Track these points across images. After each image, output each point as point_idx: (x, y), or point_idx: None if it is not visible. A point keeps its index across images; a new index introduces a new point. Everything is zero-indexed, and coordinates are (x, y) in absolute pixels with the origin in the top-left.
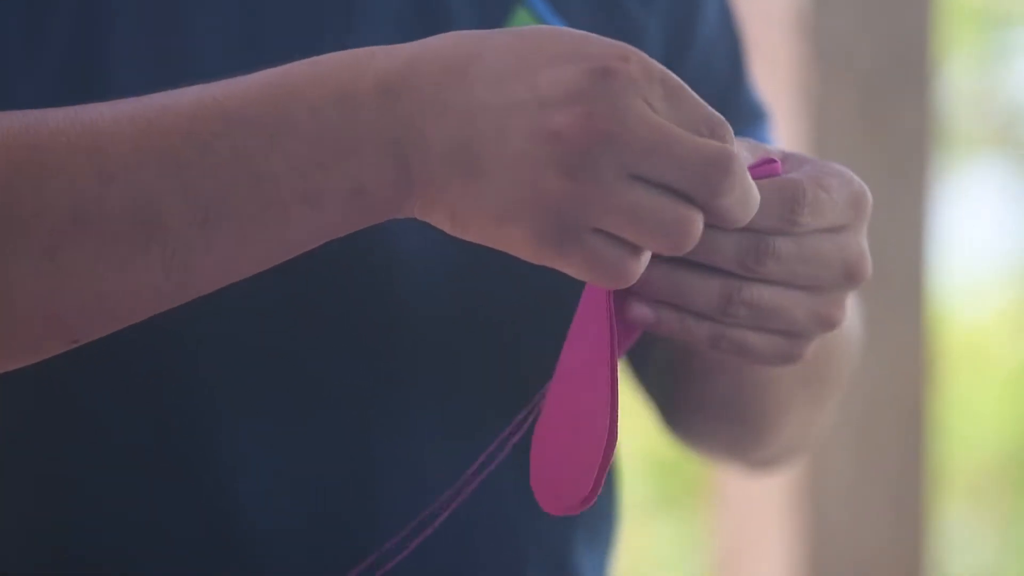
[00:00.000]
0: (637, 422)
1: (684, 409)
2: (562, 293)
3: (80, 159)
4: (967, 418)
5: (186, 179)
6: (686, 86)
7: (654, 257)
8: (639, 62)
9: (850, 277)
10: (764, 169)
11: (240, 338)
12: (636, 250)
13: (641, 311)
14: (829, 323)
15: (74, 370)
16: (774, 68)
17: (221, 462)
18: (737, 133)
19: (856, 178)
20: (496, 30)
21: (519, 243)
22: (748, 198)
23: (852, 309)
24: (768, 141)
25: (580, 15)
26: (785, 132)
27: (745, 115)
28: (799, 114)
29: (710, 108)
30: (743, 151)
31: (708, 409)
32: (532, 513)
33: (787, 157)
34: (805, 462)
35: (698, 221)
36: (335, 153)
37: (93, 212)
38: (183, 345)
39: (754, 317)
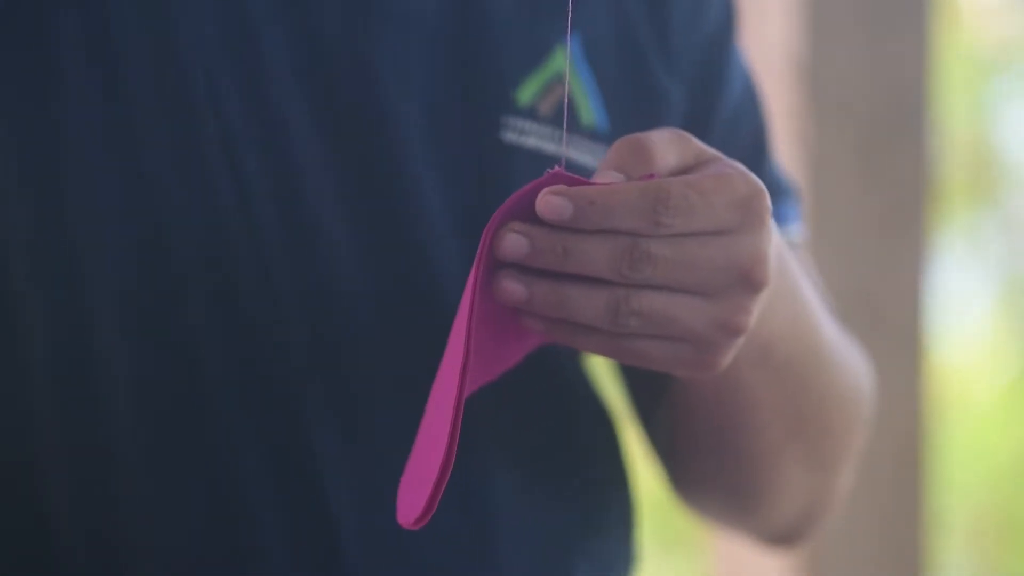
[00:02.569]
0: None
1: (684, 471)
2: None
3: None
4: (963, 465)
5: None
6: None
7: (539, 273)
8: None
9: (744, 281)
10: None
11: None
12: None
13: (532, 323)
14: (732, 329)
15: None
16: (771, 117)
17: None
18: None
19: (749, 180)
20: None
21: None
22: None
23: (857, 370)
24: (791, 219)
25: (610, 70)
26: None
27: (768, 191)
28: (797, 162)
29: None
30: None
31: (703, 464)
32: (531, 558)
33: (719, 160)
34: None
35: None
36: None
37: None
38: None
39: (648, 325)
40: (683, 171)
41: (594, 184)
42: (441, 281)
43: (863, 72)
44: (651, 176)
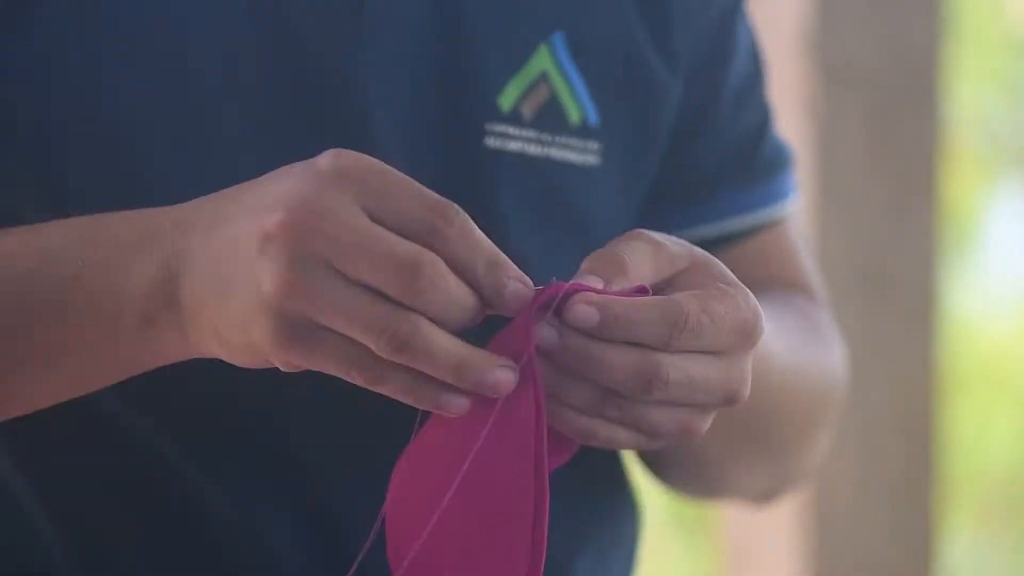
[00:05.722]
0: None
1: (646, 462)
2: None
3: None
4: (980, 438)
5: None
6: (406, 182)
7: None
8: (352, 162)
9: (728, 401)
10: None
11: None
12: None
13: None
14: (690, 433)
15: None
16: (780, 84)
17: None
18: (758, 186)
19: (750, 303)
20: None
21: (264, 349)
22: (452, 301)
23: (821, 366)
24: (789, 191)
25: (599, 65)
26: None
27: (767, 166)
28: (806, 130)
29: (433, 197)
30: (626, 248)
31: (659, 462)
32: None
33: (696, 265)
34: (810, 483)
35: (406, 322)
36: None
37: None
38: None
39: (626, 420)
40: (661, 281)
41: (613, 296)
42: None
43: (872, 42)
44: (644, 290)
